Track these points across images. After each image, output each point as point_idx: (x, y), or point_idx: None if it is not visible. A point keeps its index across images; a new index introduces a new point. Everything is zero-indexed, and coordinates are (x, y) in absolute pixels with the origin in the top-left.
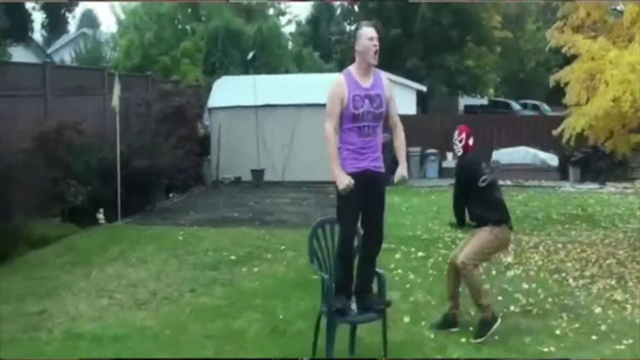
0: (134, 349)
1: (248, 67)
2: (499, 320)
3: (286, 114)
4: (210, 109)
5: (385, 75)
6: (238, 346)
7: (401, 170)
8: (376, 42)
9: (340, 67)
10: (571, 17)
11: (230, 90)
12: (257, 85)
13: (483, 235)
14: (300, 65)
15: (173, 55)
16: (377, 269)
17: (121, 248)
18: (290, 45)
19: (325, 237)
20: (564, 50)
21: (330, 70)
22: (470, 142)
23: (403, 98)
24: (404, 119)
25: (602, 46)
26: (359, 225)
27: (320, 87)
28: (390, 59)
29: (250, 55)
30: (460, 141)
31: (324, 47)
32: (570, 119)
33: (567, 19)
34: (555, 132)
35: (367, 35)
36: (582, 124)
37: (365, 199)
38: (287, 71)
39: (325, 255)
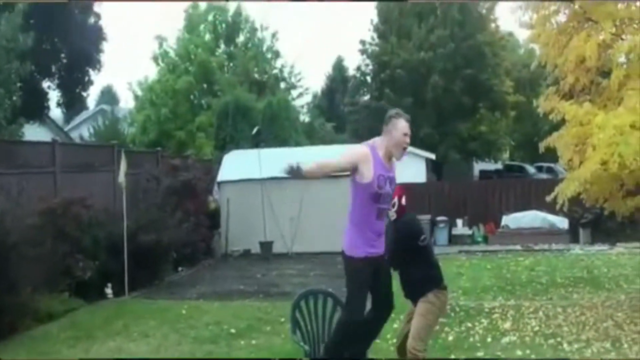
0: None
1: (258, 142)
2: None
3: (293, 186)
4: (220, 183)
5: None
6: None
7: None
8: (408, 140)
9: (354, 137)
10: (561, 83)
11: (238, 164)
12: (263, 158)
13: (427, 307)
14: (312, 137)
15: (189, 129)
16: None
17: (125, 322)
18: (305, 117)
19: (308, 308)
20: (551, 117)
21: (344, 142)
22: (404, 202)
23: (412, 167)
24: (415, 187)
25: (588, 111)
26: None
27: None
28: None
29: (255, 130)
30: (394, 205)
31: (338, 118)
32: (562, 184)
33: (558, 85)
34: (548, 198)
35: (403, 130)
36: (573, 189)
37: (375, 277)
38: (297, 144)
39: (308, 326)
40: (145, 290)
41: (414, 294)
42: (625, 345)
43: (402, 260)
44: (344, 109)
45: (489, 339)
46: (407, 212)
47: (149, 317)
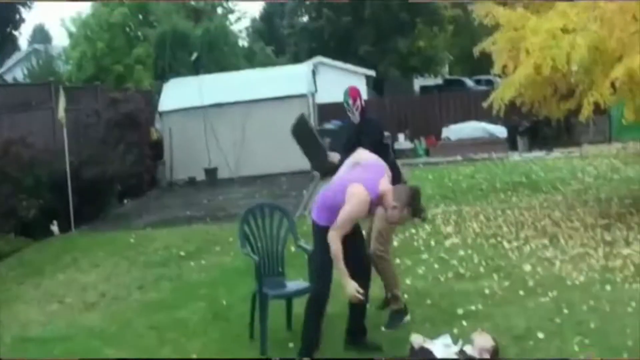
0: (80, 346)
1: (198, 69)
2: (409, 316)
3: (235, 111)
4: (161, 113)
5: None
6: (180, 333)
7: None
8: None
9: (294, 60)
10: None
11: (178, 93)
12: (204, 85)
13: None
14: (252, 61)
15: (126, 63)
16: (305, 246)
17: (73, 256)
18: (244, 42)
19: (256, 222)
20: (485, 21)
21: (284, 64)
22: (363, 102)
23: (352, 84)
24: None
25: (521, 15)
26: None
27: (269, 81)
28: (342, 46)
29: (194, 56)
30: (357, 108)
31: (277, 41)
32: (498, 90)
33: None
34: (485, 104)
35: (405, 221)
36: (508, 95)
37: (350, 243)
38: (237, 69)
39: (257, 238)
40: (92, 224)
41: None
42: (562, 241)
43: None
44: (283, 32)
45: (433, 243)
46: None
47: (98, 249)
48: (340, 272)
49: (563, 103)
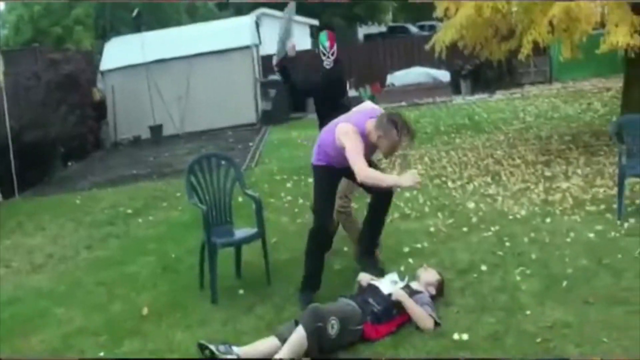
0: (29, 308)
1: (139, 26)
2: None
3: (179, 67)
4: (103, 72)
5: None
6: (130, 288)
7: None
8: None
9: (237, 14)
10: None
11: (120, 51)
12: (146, 42)
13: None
14: (194, 15)
15: (65, 24)
16: (253, 193)
17: (18, 220)
18: None
19: (202, 171)
20: None
21: (227, 17)
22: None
23: (295, 34)
24: (299, 54)
25: None
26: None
27: (212, 35)
28: None
29: (135, 12)
30: (333, 54)
31: None
32: (439, 32)
33: None
34: (427, 46)
35: (397, 146)
36: (450, 37)
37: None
38: (180, 24)
39: (204, 189)
40: (36, 189)
41: None
42: (504, 178)
43: (330, 108)
44: None
45: None
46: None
47: (43, 212)
48: (389, 181)
49: (504, 44)
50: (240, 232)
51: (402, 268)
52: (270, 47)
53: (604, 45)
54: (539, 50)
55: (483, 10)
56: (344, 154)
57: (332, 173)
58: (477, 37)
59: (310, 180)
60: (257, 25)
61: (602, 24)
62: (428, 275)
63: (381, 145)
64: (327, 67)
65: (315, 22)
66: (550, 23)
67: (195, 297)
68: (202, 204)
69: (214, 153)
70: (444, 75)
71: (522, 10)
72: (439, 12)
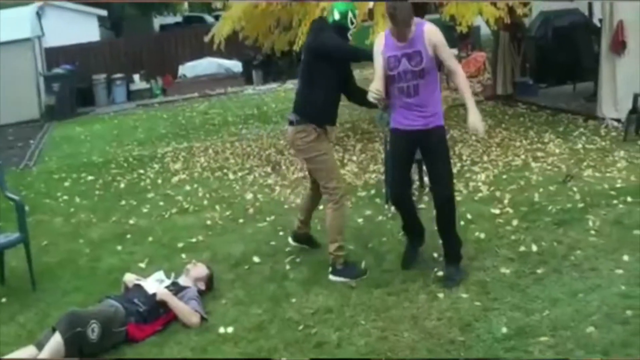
0: None
1: None
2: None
3: None
4: None
5: (429, 26)
6: None
7: (472, 119)
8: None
9: (19, 3)
10: None
11: None
12: None
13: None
14: None
15: None
16: (13, 196)
17: None
18: None
19: None
20: None
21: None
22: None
23: (83, 25)
24: (88, 46)
25: None
26: None
27: (11, 22)
28: None
29: None
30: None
31: None
32: (217, 25)
33: None
34: (206, 38)
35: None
36: (227, 29)
37: (423, 157)
38: None
39: None
40: None
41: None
42: (284, 167)
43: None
44: None
45: (160, 181)
46: None
47: None
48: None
49: (284, 34)
50: (1, 237)
51: (175, 264)
52: (53, 38)
53: (372, 36)
54: None
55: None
56: None
57: None
58: (257, 28)
59: (91, 177)
60: (39, 15)
61: (371, 16)
62: (197, 271)
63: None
64: (349, 38)
65: (104, 12)
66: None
67: None
68: None
69: None
70: (235, 66)
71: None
72: (218, 4)
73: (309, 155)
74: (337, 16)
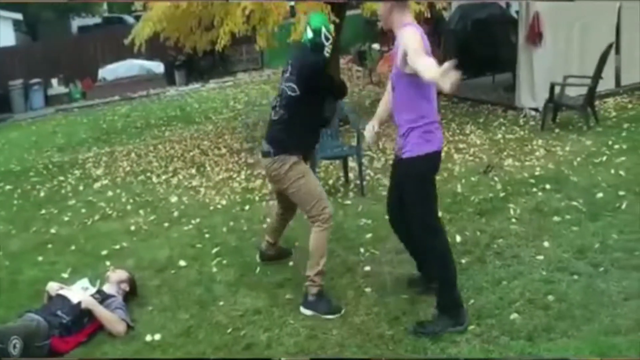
0: None
1: None
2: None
3: None
4: None
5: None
6: None
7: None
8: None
9: None
10: None
11: None
12: None
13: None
14: None
15: None
16: None
17: None
18: None
19: None
20: None
21: None
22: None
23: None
24: (3, 52)
25: None
26: None
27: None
28: None
29: None
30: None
31: None
32: (136, 27)
33: None
34: (126, 41)
35: None
36: (148, 31)
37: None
38: None
39: None
40: None
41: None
42: (209, 168)
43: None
44: None
45: (81, 187)
46: None
47: None
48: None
49: (206, 34)
50: None
51: (99, 272)
52: None
53: (294, 34)
54: (250, 38)
55: (179, 4)
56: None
57: None
58: (179, 29)
59: (9, 187)
60: None
61: (293, 14)
62: (117, 275)
63: None
64: (327, 54)
65: (19, 16)
66: (248, 15)
67: None
68: None
69: None
70: (157, 67)
71: (219, 2)
72: (137, 5)
73: (287, 184)
74: (310, 34)
